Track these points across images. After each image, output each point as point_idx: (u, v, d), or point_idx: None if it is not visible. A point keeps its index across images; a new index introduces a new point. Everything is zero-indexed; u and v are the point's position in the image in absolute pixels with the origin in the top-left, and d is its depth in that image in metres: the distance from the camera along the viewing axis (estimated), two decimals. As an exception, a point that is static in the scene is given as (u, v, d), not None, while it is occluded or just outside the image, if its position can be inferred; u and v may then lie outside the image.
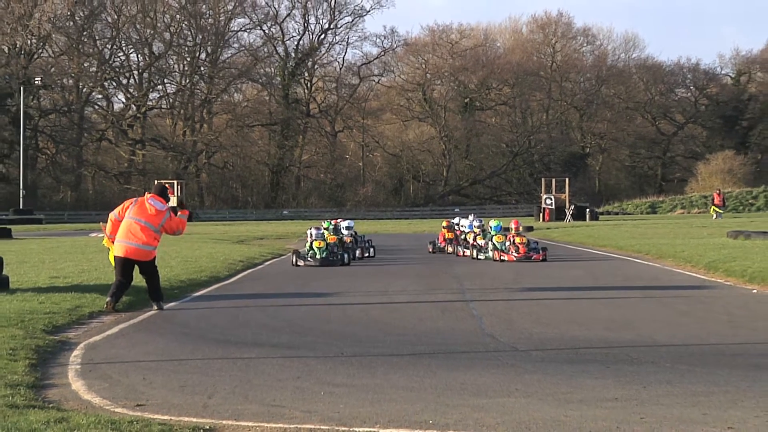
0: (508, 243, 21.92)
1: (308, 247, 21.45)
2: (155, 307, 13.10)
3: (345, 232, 24.42)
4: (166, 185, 14.47)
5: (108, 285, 14.98)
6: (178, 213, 13.78)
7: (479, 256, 22.41)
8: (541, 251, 21.78)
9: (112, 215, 13.18)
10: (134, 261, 12.99)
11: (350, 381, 7.88)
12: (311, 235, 21.88)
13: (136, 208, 13.09)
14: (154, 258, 13.24)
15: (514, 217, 34.38)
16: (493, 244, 22.27)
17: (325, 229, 23.55)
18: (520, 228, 22.64)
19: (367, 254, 23.86)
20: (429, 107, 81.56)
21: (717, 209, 52.45)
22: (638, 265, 21.17)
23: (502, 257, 21.45)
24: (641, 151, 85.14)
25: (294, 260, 20.91)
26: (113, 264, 13.23)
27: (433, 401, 6.95)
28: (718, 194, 54.25)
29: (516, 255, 21.43)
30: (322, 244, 21.20)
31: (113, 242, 13.10)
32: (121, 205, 13.34)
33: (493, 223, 23.67)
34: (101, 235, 13.36)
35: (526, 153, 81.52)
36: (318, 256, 20.88)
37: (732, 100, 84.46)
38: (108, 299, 12.71)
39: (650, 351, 9.35)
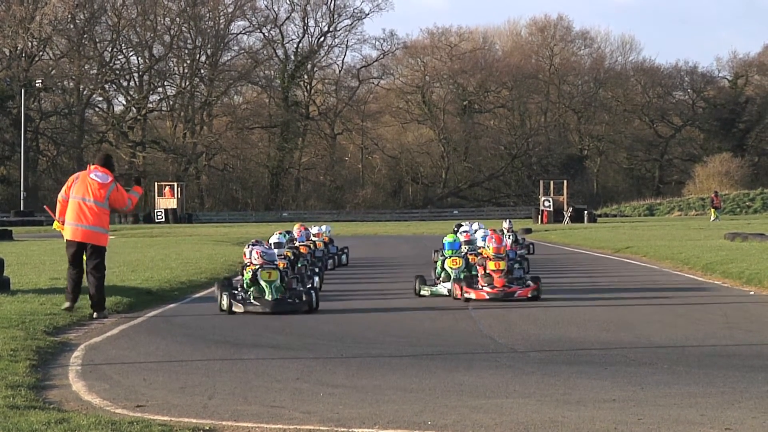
0: (482, 271, 14.42)
1: (247, 281, 13.10)
2: (95, 315, 12.11)
3: (275, 251, 14.28)
4: (110, 154, 13.71)
5: (108, 286, 14.98)
6: (132, 189, 12.87)
7: (422, 292, 14.78)
8: (530, 283, 14.28)
9: (60, 196, 12.42)
10: (85, 245, 12.24)
11: (349, 382, 7.92)
12: (251, 256, 13.44)
13: (78, 186, 12.24)
14: (105, 248, 12.45)
15: (510, 219, 27.09)
16: (446, 272, 15.08)
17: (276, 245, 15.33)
18: (505, 245, 15.38)
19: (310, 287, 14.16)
20: (428, 110, 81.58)
21: (716, 211, 52.69)
22: (636, 266, 21.21)
23: (467, 294, 13.84)
24: (639, 153, 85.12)
25: (226, 303, 12.77)
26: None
27: (432, 402, 6.98)
28: (716, 196, 54.55)
29: (488, 290, 13.91)
30: (275, 275, 12.99)
31: (64, 225, 12.37)
32: (66, 183, 12.49)
33: (447, 237, 16.01)
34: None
35: (524, 155, 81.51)
36: (268, 297, 12.85)
37: (729, 102, 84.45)
38: (67, 304, 12.14)
39: (648, 352, 9.39)
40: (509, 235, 23.43)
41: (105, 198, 12.22)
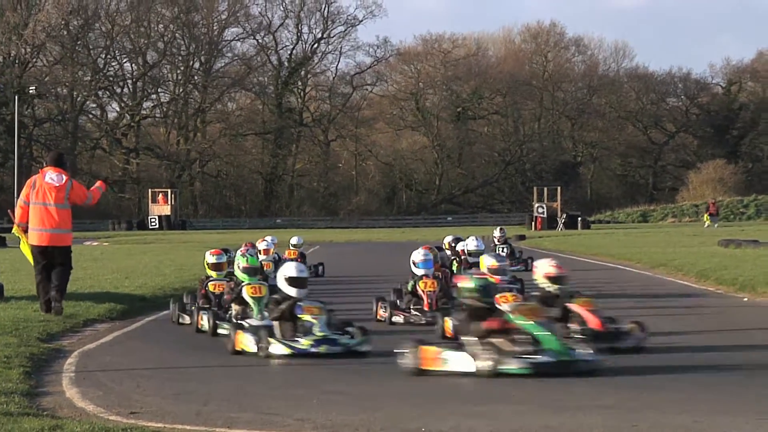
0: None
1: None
2: (52, 312, 12.11)
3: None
4: (62, 152, 13.88)
5: (102, 293, 15.01)
6: (96, 184, 13.11)
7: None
8: None
9: (20, 201, 12.57)
10: (52, 248, 12.37)
11: (344, 389, 7.90)
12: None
13: (37, 192, 12.31)
14: (71, 248, 12.63)
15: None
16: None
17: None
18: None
19: None
20: (422, 116, 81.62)
21: (710, 218, 53.02)
22: (630, 273, 21.22)
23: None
24: (632, 160, 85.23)
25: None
26: (27, 255, 12.63)
27: (427, 408, 6.96)
28: (713, 203, 54.92)
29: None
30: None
31: (25, 231, 12.46)
32: (24, 187, 12.58)
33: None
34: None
35: (518, 162, 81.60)
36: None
37: (723, 109, 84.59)
38: (42, 306, 12.25)
39: (642, 358, 9.39)
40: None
41: (65, 199, 12.39)
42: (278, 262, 16.93)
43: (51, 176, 12.39)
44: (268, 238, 18.54)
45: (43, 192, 12.32)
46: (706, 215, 53.97)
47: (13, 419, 6.60)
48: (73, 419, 6.76)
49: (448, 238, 16.55)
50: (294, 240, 20.39)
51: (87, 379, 8.46)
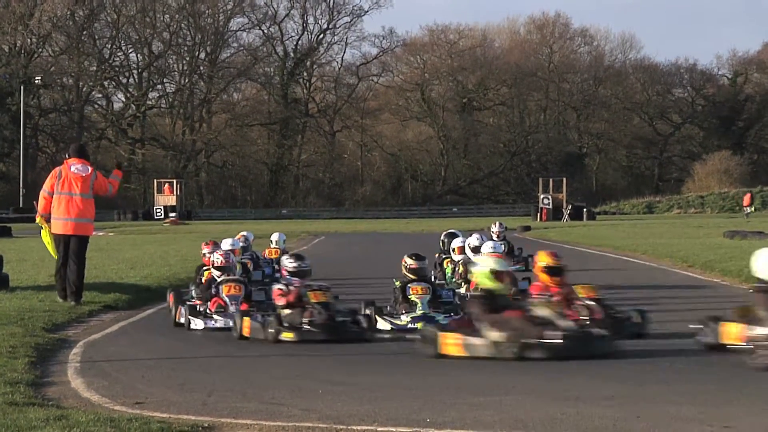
0: None
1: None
2: (72, 302, 12.42)
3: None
4: (83, 143, 14.15)
5: (107, 283, 15.04)
6: (112, 174, 13.31)
7: None
8: None
9: (44, 192, 12.73)
10: (73, 237, 12.63)
11: (349, 379, 7.91)
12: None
13: (62, 182, 12.59)
14: (89, 238, 12.92)
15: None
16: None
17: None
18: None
19: None
20: (427, 107, 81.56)
21: (750, 207, 54.45)
22: (635, 264, 21.21)
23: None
24: (638, 151, 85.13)
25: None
26: (47, 245, 12.85)
27: (431, 399, 6.97)
28: (750, 195, 57.52)
29: None
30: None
31: (47, 221, 12.69)
32: (48, 178, 12.78)
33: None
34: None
35: (523, 153, 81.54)
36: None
37: (728, 100, 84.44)
38: (59, 295, 12.52)
39: (647, 350, 9.39)
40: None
41: (89, 188, 12.70)
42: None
43: (77, 167, 12.69)
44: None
45: (69, 182, 12.60)
46: (751, 207, 55.09)
47: (19, 409, 6.62)
48: (78, 409, 6.78)
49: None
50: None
51: (92, 369, 8.48)
